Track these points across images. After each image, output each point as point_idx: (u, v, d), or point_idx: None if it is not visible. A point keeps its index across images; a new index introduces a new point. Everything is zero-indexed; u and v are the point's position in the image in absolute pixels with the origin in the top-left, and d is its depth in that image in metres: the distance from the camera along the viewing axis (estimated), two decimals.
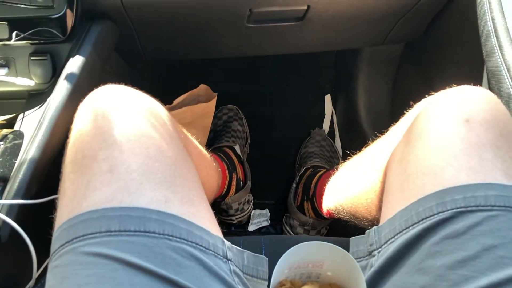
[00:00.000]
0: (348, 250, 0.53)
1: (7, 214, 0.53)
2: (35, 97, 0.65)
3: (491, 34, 0.63)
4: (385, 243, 0.50)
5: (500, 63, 0.61)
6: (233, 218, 1.02)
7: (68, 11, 0.64)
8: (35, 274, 0.54)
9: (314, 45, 0.93)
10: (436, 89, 0.55)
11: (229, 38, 0.84)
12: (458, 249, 0.43)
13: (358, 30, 0.85)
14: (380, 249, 0.50)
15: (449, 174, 0.47)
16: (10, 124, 0.64)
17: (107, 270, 0.41)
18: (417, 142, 0.52)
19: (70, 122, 0.52)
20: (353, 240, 0.55)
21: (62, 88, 0.60)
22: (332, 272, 0.49)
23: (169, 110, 0.94)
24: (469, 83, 0.54)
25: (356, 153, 0.76)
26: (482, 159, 0.47)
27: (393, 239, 0.49)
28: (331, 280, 0.50)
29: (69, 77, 0.61)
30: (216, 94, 1.00)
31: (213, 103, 0.98)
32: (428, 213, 0.46)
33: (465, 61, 0.84)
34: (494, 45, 0.62)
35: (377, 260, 0.49)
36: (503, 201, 0.44)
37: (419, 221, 0.46)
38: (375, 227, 0.53)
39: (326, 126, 1.22)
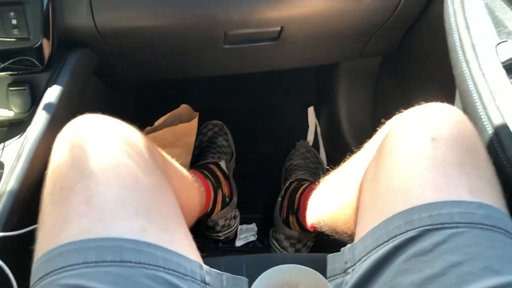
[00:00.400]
0: (326, 267, 0.54)
1: None
2: (16, 126, 0.65)
3: (458, 49, 0.65)
4: (358, 261, 0.51)
5: (467, 78, 0.62)
6: (220, 234, 1.02)
7: (45, 41, 0.65)
8: None
9: (292, 62, 0.95)
10: (413, 100, 0.57)
11: (207, 59, 0.85)
12: (426, 266, 0.44)
13: (333, 47, 0.87)
14: (354, 267, 0.52)
15: (417, 193, 0.48)
16: None
17: None
18: (386, 161, 0.53)
19: (49, 152, 0.53)
20: (330, 257, 0.57)
21: (40, 118, 0.61)
22: None
23: (151, 131, 0.95)
24: (443, 96, 0.55)
25: (338, 166, 0.77)
26: (448, 176, 0.48)
27: (365, 257, 0.50)
28: None
29: (47, 107, 0.62)
30: (198, 113, 1.01)
31: (195, 122, 0.99)
32: (397, 231, 0.47)
33: (439, 73, 0.85)
34: (461, 61, 0.64)
35: (352, 278, 0.51)
36: (468, 218, 0.45)
37: (389, 239, 0.48)
38: (349, 245, 0.54)
39: (310, 137, 1.24)
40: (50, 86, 0.64)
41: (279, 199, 1.08)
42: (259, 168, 1.19)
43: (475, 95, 0.61)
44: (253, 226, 1.08)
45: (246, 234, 1.06)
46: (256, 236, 1.07)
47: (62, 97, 0.64)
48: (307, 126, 1.26)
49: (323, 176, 0.88)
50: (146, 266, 0.45)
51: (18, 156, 0.59)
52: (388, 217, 0.49)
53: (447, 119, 0.52)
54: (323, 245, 1.02)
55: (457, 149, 0.50)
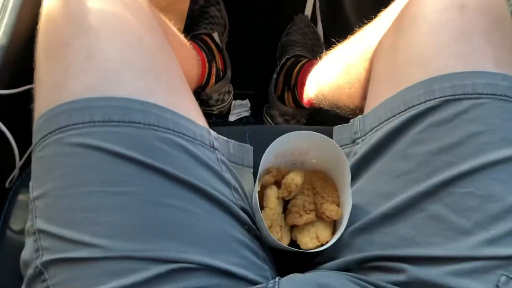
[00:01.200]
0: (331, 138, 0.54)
1: None
2: None
3: None
4: (370, 131, 0.50)
5: None
6: (214, 108, 1.01)
7: None
8: (18, 163, 0.54)
9: None
10: None
11: None
12: (443, 136, 0.44)
13: None
14: (364, 137, 0.51)
15: (439, 62, 0.46)
16: None
17: (94, 161, 0.40)
18: (408, 29, 0.50)
19: (37, 5, 0.48)
20: (337, 128, 0.56)
21: None
22: (317, 160, 0.50)
23: None
24: None
25: (339, 41, 0.74)
26: (473, 46, 0.46)
27: (378, 127, 0.49)
28: (315, 166, 0.51)
29: None
30: None
31: None
32: (415, 101, 0.46)
33: None
34: None
35: (361, 148, 0.50)
36: (491, 89, 0.44)
37: (406, 109, 0.47)
38: (360, 116, 0.53)
39: (308, 11, 1.17)
40: None
41: (274, 75, 1.05)
42: (253, 43, 1.14)
43: None
44: (247, 102, 1.07)
45: (240, 109, 1.04)
46: (250, 111, 1.06)
47: None
48: (305, 0, 1.19)
49: (322, 53, 0.85)
50: (156, 128, 0.43)
51: (3, 8, 0.53)
52: (406, 87, 0.47)
53: None
54: (316, 122, 1.02)
55: (485, 18, 0.47)
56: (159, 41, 0.50)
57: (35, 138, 0.44)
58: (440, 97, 0.45)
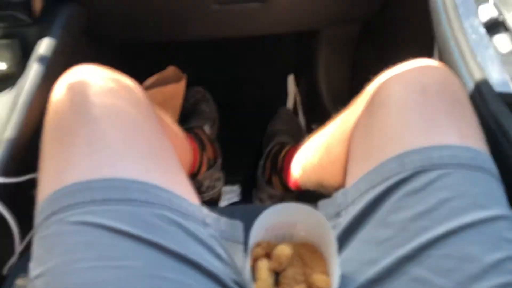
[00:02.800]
0: None
1: None
2: (5, 81, 0.65)
3: (441, 10, 0.68)
4: (351, 203, 0.54)
5: (449, 37, 0.66)
6: (205, 195, 1.04)
7: None
8: (18, 249, 0.56)
9: (277, 27, 0.96)
10: (393, 66, 0.60)
11: (195, 19, 0.86)
12: (418, 203, 0.48)
13: (317, 10, 0.89)
14: (347, 209, 0.55)
15: (409, 139, 0.51)
16: None
17: (94, 237, 0.43)
18: (378, 112, 0.56)
19: (45, 103, 0.53)
20: (321, 203, 0.59)
21: (35, 70, 0.61)
22: (305, 232, 0.53)
23: None
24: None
25: (319, 128, 0.80)
26: (438, 124, 0.52)
27: (358, 199, 0.53)
28: (304, 239, 0.53)
29: (41, 59, 0.61)
30: (185, 75, 1.02)
31: (182, 84, 0.99)
32: (389, 173, 0.51)
33: (418, 38, 0.89)
34: (444, 21, 0.67)
35: (345, 219, 0.54)
36: (456, 159, 0.49)
37: (382, 181, 0.51)
38: (341, 189, 0.57)
39: (290, 105, 1.26)
40: (43, 38, 0.64)
41: (261, 161, 1.10)
42: (241, 134, 1.21)
43: (456, 53, 0.64)
44: (237, 187, 1.10)
45: (230, 195, 1.08)
46: (240, 196, 1.10)
47: (57, 50, 0.63)
48: (287, 95, 1.29)
49: (304, 140, 0.91)
50: (152, 205, 0.46)
51: (13, 106, 0.58)
52: (381, 162, 0.52)
53: (434, 72, 0.55)
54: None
55: (445, 99, 0.53)
56: (156, 128, 0.55)
57: (38, 219, 0.46)
58: (412, 168, 0.49)
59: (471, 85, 0.61)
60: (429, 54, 0.76)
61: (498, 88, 0.59)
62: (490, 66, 0.61)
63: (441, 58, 0.69)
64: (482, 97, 0.59)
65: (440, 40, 0.68)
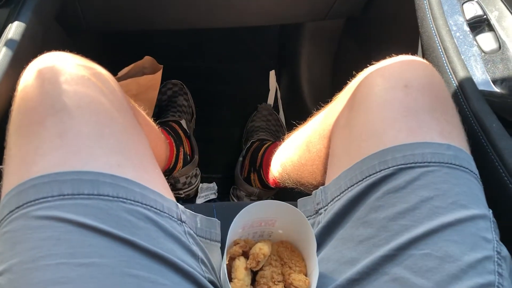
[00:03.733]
0: None
1: None
2: None
3: (426, 7, 0.67)
4: (331, 201, 0.53)
5: (434, 34, 0.65)
6: (181, 192, 1.02)
7: None
8: None
9: (259, 18, 0.95)
10: (375, 61, 0.59)
11: (176, 7, 0.83)
12: (399, 201, 0.47)
13: (301, 4, 0.88)
14: (326, 207, 0.53)
15: (390, 136, 0.50)
16: None
17: (61, 233, 0.41)
18: (360, 108, 0.55)
19: (12, 90, 0.50)
20: (300, 201, 0.58)
21: (2, 54, 0.57)
22: (283, 230, 0.51)
23: None
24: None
25: (299, 125, 0.79)
26: (420, 120, 0.51)
27: (338, 197, 0.52)
28: (282, 237, 0.52)
29: (9, 43, 0.58)
30: (162, 66, 0.99)
31: (159, 75, 0.96)
32: (371, 171, 0.49)
33: (402, 35, 0.88)
34: (429, 18, 0.66)
35: (324, 217, 0.52)
36: (438, 157, 0.48)
37: (363, 179, 0.50)
38: (321, 187, 0.56)
39: (270, 101, 1.25)
40: (12, 22, 0.61)
41: (240, 158, 1.09)
42: (219, 130, 1.19)
43: (440, 50, 0.64)
44: (214, 185, 1.08)
45: (207, 192, 1.06)
46: (217, 194, 1.08)
47: (26, 34, 0.60)
48: (268, 90, 1.27)
49: (284, 137, 0.90)
50: (124, 200, 0.44)
51: None
52: (361, 159, 0.51)
53: (418, 68, 0.54)
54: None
55: (428, 96, 0.52)
56: (129, 121, 0.52)
57: (2, 214, 0.43)
58: (393, 166, 0.48)
59: (454, 83, 0.60)
60: (413, 51, 0.76)
61: (480, 86, 0.59)
62: (474, 64, 0.61)
63: (425, 55, 0.68)
64: (464, 95, 0.59)
65: (425, 37, 0.68)
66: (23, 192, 0.43)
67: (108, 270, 0.40)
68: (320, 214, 0.54)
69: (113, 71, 0.96)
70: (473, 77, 0.59)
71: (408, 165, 0.48)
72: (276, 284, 0.48)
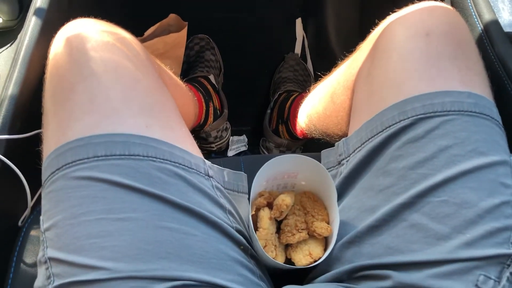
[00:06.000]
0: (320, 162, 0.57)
1: None
2: (5, 35, 0.64)
3: None
4: (352, 152, 0.54)
5: None
6: (213, 145, 1.05)
7: None
8: (30, 203, 0.58)
9: None
10: (401, 7, 0.57)
11: None
12: (418, 151, 0.48)
13: None
14: (348, 158, 0.55)
15: (410, 85, 0.51)
16: None
17: (98, 191, 0.44)
18: (381, 58, 0.55)
19: (45, 57, 0.53)
20: (324, 152, 0.60)
21: (32, 24, 0.60)
22: (306, 181, 0.54)
23: (141, 42, 0.93)
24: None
25: (326, 74, 0.79)
26: (440, 69, 0.50)
27: (360, 148, 0.53)
28: (305, 188, 0.54)
29: (38, 12, 0.60)
30: (187, 23, 0.99)
31: (184, 32, 0.97)
32: (391, 121, 0.50)
33: None
34: None
35: (346, 168, 0.54)
36: (458, 106, 0.48)
37: (383, 130, 0.51)
38: (343, 139, 0.57)
39: (298, 50, 1.24)
40: None
41: (269, 110, 1.10)
42: (247, 83, 1.20)
43: None
44: (244, 137, 1.11)
45: (238, 145, 1.09)
46: (247, 146, 1.11)
47: (52, 3, 0.62)
48: (294, 39, 1.25)
49: (311, 87, 0.90)
50: (154, 159, 0.47)
51: (14, 62, 0.59)
52: (381, 110, 0.51)
53: (440, 15, 0.53)
54: (311, 152, 1.06)
55: (449, 43, 0.51)
56: (155, 82, 0.55)
57: (44, 175, 0.48)
58: (413, 116, 0.49)
59: (479, 26, 0.59)
60: None
61: (507, 28, 0.57)
62: (501, 5, 0.59)
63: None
64: (490, 39, 0.57)
65: None
66: (61, 155, 0.46)
67: (142, 224, 0.43)
68: (342, 165, 0.56)
69: (139, 30, 0.98)
70: (500, 19, 0.58)
71: (428, 115, 0.48)
72: (300, 232, 0.51)
